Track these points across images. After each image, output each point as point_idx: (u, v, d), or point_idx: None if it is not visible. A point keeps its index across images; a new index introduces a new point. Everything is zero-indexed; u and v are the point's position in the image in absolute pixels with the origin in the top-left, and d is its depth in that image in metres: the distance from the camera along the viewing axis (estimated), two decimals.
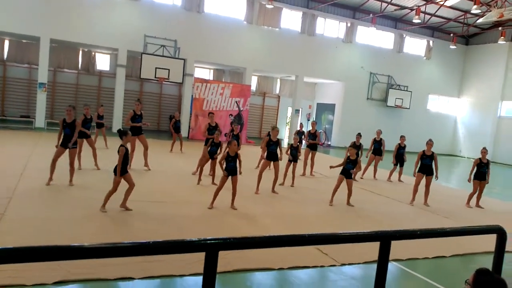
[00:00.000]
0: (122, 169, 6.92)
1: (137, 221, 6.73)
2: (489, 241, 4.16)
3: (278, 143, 9.87)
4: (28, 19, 17.88)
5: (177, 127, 15.14)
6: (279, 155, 9.88)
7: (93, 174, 9.91)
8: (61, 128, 8.50)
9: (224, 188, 7.95)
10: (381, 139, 13.69)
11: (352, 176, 9.48)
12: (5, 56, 20.25)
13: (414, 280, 5.67)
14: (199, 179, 10.03)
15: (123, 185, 7.08)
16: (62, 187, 8.35)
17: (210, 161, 10.09)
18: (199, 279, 4.90)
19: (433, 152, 10.34)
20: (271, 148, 9.80)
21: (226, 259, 4.92)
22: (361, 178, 13.35)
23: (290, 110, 26.11)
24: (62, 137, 8.50)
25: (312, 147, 12.97)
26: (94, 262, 4.49)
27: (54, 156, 8.45)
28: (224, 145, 9.08)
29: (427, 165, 10.26)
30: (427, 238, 2.76)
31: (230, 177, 7.86)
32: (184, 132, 19.54)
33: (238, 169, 8.02)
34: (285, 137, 26.73)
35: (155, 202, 7.97)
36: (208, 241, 2.03)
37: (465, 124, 29.01)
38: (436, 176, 10.43)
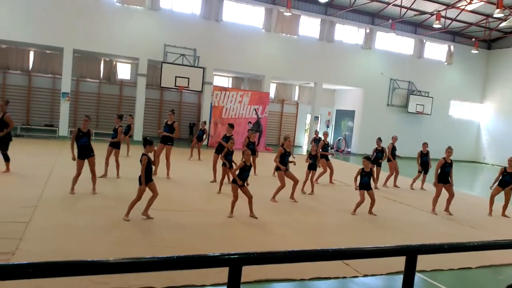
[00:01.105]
0: (146, 178, 6.98)
1: (158, 229, 6.77)
2: None
3: (290, 153, 9.82)
4: (52, 30, 18.37)
5: (199, 136, 15.33)
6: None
7: (115, 182, 10.04)
8: (73, 138, 8.45)
9: (242, 197, 7.95)
10: (382, 147, 13.20)
11: (373, 187, 9.31)
12: (30, 66, 20.81)
13: None
14: (220, 188, 10.04)
15: (147, 193, 7.15)
16: (85, 195, 8.48)
17: (227, 169, 10.11)
18: None
19: (451, 160, 10.14)
20: (286, 159, 9.70)
21: (247, 270, 4.86)
22: (384, 186, 13.18)
23: (309, 117, 26.02)
24: (77, 147, 8.51)
25: (325, 157, 12.88)
26: None
27: (77, 171, 8.49)
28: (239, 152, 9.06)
29: (447, 173, 10.00)
30: (455, 252, 2.68)
31: (240, 188, 7.86)
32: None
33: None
34: (304, 144, 26.62)
35: (176, 211, 8.01)
36: (232, 256, 2.02)
37: (488, 130, 28.38)
38: (452, 183, 10.14)
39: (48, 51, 20.68)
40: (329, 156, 13.18)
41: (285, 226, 7.73)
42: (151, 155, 7.16)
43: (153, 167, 7.34)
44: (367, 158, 9.33)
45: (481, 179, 20.49)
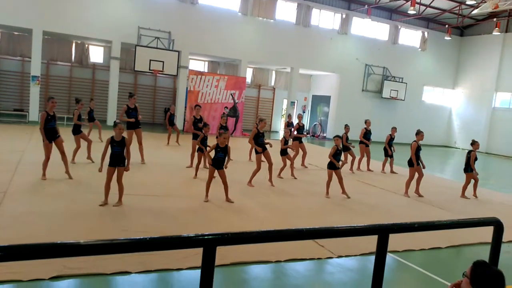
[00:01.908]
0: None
1: (133, 215, 6.70)
2: (484, 232, 4.18)
3: (263, 134, 9.93)
4: (20, 10, 17.66)
5: (171, 120, 15.19)
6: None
7: (87, 168, 9.85)
8: (42, 122, 8.32)
9: (218, 181, 7.94)
10: (370, 129, 13.63)
11: (339, 167, 9.40)
12: None
13: (410, 272, 5.70)
14: (196, 173, 10.01)
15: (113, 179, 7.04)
16: (57, 181, 8.30)
17: (198, 153, 10.14)
18: (196, 272, 4.88)
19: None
20: (260, 140, 9.79)
21: (223, 253, 4.90)
22: (358, 169, 13.40)
23: (285, 102, 26.07)
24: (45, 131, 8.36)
25: (299, 140, 12.99)
26: (90, 257, 4.47)
27: (45, 154, 8.35)
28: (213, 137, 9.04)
29: (419, 156, 10.34)
30: (425, 231, 2.76)
31: (217, 170, 7.84)
32: (179, 125, 19.51)
33: (225, 162, 7.97)
34: (281, 129, 26.71)
35: (151, 196, 7.95)
36: (206, 237, 2.02)
37: (459, 115, 29.12)
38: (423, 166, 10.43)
39: (16, 33, 19.91)
40: (303, 139, 13.25)
41: (261, 210, 7.78)
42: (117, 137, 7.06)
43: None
44: (338, 136, 9.47)
45: (452, 162, 21.09)
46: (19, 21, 17.84)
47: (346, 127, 13.42)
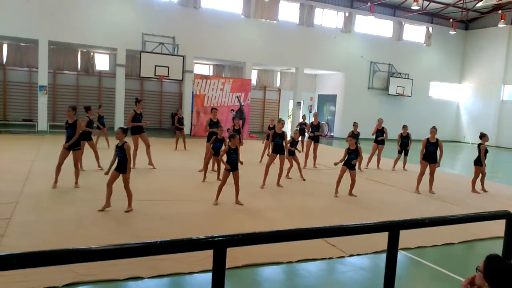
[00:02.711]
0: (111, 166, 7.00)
1: (144, 220, 6.73)
2: (496, 226, 4.13)
3: (283, 135, 9.83)
4: (25, 22, 17.86)
5: (180, 124, 15.22)
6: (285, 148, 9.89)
7: (96, 175, 9.91)
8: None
9: (228, 184, 7.95)
10: (383, 127, 13.69)
11: (356, 167, 9.41)
12: (4, 60, 20.26)
13: (423, 268, 5.66)
14: (204, 176, 10.02)
15: (122, 185, 7.08)
16: (68, 189, 8.36)
17: (213, 157, 10.11)
18: (208, 275, 4.90)
19: (437, 139, 10.26)
20: (276, 140, 9.77)
21: (234, 255, 4.91)
22: (366, 168, 13.34)
23: (291, 103, 26.05)
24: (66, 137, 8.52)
25: (315, 139, 12.96)
26: (102, 263, 4.49)
27: (59, 159, 8.44)
28: (227, 140, 9.06)
29: (431, 152, 10.22)
30: (436, 226, 2.74)
31: (231, 172, 7.85)
32: (186, 129, 19.57)
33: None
34: (288, 130, 26.69)
35: (161, 201, 7.98)
36: (216, 239, 2.02)
37: (467, 109, 28.89)
38: (438, 164, 10.35)
39: (22, 44, 20.14)
40: (319, 137, 13.19)
41: (271, 211, 7.77)
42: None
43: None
44: (352, 136, 9.46)
45: (461, 157, 20.91)
46: (25, 32, 18.05)
47: (355, 124, 13.34)
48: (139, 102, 11.21)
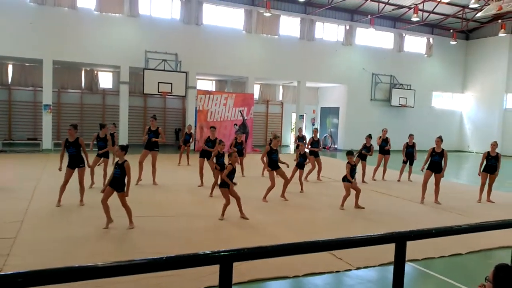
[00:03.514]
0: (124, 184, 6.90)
1: (148, 237, 6.70)
2: (504, 236, 4.12)
3: (277, 151, 9.87)
4: (29, 42, 18.09)
5: (186, 140, 15.21)
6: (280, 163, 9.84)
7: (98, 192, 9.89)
8: (63, 148, 8.55)
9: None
10: (387, 137, 13.65)
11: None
12: (9, 80, 20.48)
13: (431, 280, 5.59)
14: (212, 192, 9.92)
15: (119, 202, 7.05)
16: (73, 207, 8.37)
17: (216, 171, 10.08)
18: None
19: (443, 150, 10.23)
20: (273, 157, 9.75)
21: (240, 270, 4.88)
22: (373, 179, 13.27)
23: (294, 116, 26.10)
24: (65, 158, 8.51)
25: (315, 154, 12.94)
26: (107, 281, 4.42)
27: (64, 179, 8.39)
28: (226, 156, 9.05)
29: (436, 162, 10.18)
30: (443, 236, 2.72)
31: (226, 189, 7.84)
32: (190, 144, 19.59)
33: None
34: (291, 143, 26.69)
35: (164, 217, 7.96)
36: (222, 253, 2.02)
37: (471, 119, 28.84)
38: (442, 174, 10.29)
39: (27, 64, 20.39)
40: (319, 152, 13.17)
41: (277, 225, 7.74)
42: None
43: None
44: (349, 153, 9.41)
45: (466, 167, 20.80)
46: (30, 52, 18.28)
47: (368, 137, 13.17)
48: (154, 119, 11.32)
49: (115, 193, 6.97)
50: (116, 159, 7.27)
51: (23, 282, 1.70)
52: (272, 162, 9.73)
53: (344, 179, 9.22)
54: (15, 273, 1.69)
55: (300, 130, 16.07)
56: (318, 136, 13.25)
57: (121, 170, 6.89)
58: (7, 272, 1.71)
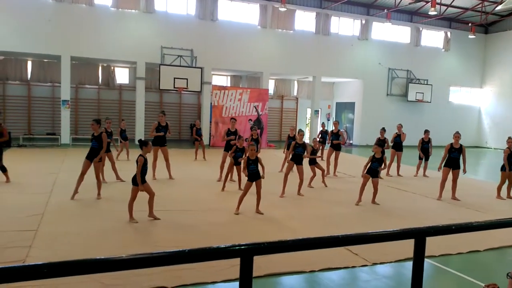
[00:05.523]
0: (141, 179, 6.99)
1: (166, 230, 6.80)
2: None
3: (304, 145, 9.84)
4: (48, 39, 18.41)
5: (198, 135, 15.34)
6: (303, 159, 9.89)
7: (117, 186, 10.07)
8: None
9: (249, 193, 7.97)
10: (401, 133, 13.52)
11: (378, 174, 9.33)
12: (29, 76, 20.86)
13: (449, 276, 5.55)
14: (224, 186, 10.07)
15: (145, 196, 7.16)
16: (90, 201, 8.52)
17: (235, 166, 10.17)
18: (231, 285, 4.91)
19: (461, 145, 10.07)
20: (298, 150, 9.77)
21: (257, 264, 4.89)
22: (387, 175, 13.18)
23: (309, 111, 26.02)
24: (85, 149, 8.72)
25: (336, 147, 12.84)
26: (127, 272, 4.54)
27: (82, 170, 8.60)
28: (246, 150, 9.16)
29: (454, 158, 10.02)
30: (463, 232, 2.70)
31: (254, 182, 7.88)
32: (205, 139, 19.71)
33: (261, 173, 8.01)
34: (306, 138, 26.61)
35: (182, 211, 8.05)
36: (243, 247, 2.04)
37: (489, 114, 28.34)
38: (464, 170, 10.18)
39: (45, 60, 20.72)
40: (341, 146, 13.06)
41: (294, 220, 7.76)
42: (148, 156, 7.22)
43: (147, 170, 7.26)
44: (378, 144, 9.39)
45: (485, 163, 20.47)
46: (48, 49, 18.61)
47: (383, 130, 13.11)
48: (163, 115, 11.33)
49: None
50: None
51: (48, 272, 1.74)
52: (296, 155, 9.75)
53: (369, 171, 9.17)
54: (41, 263, 1.74)
55: (323, 125, 16.12)
56: (338, 128, 13.11)
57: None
58: (33, 263, 1.76)
